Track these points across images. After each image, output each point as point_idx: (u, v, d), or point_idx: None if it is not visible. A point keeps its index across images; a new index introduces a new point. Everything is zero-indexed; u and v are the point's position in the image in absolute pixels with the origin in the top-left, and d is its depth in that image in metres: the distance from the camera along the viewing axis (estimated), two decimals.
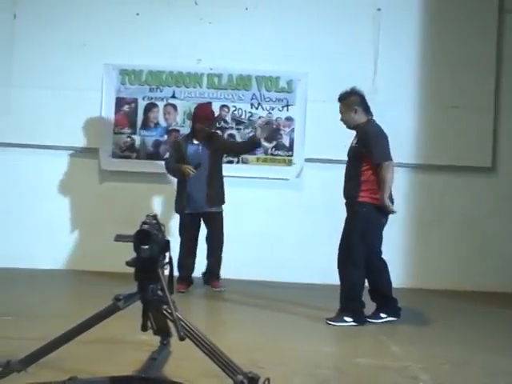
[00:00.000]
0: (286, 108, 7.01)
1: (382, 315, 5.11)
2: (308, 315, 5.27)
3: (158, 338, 3.59)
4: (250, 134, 6.81)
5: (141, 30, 6.96)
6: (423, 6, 7.08)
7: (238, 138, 6.98)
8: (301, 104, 6.98)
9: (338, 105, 5.17)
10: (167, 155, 6.57)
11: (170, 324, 3.14)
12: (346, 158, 5.21)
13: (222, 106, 7.02)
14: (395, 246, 6.89)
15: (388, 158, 4.95)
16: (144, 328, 3.17)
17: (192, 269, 6.21)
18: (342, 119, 5.16)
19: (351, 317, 4.98)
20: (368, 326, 5.01)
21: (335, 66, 6.88)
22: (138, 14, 7.00)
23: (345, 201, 5.11)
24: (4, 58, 6.96)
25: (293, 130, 7.01)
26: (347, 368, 3.82)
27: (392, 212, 4.99)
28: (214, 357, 2.88)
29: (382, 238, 5.13)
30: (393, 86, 6.98)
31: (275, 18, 7.01)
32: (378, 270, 5.15)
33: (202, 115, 6.19)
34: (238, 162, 6.97)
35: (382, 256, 5.17)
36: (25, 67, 6.96)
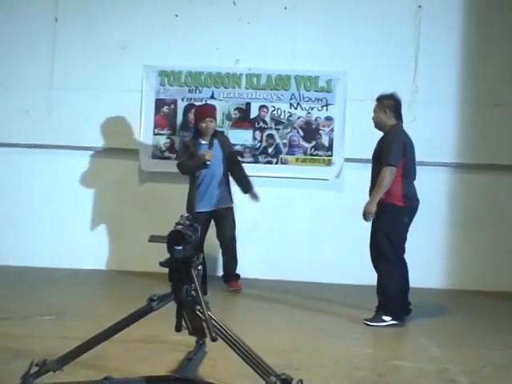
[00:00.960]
0: (325, 107, 6.96)
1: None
2: (346, 315, 5.23)
3: (193, 339, 3.61)
4: (289, 133, 6.90)
5: (180, 31, 7.00)
6: (465, 2, 6.95)
7: (278, 139, 6.97)
8: (340, 103, 6.92)
9: None
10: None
11: (204, 324, 3.14)
12: None
13: (261, 107, 6.99)
14: (438, 246, 6.84)
15: (392, 163, 4.93)
16: (178, 328, 3.19)
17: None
18: (372, 117, 5.22)
19: (389, 315, 4.94)
20: (407, 327, 4.95)
21: (375, 64, 6.81)
22: (176, 16, 7.03)
23: None
24: (46, 60, 7.05)
25: (332, 130, 6.95)
26: (385, 370, 3.77)
27: (368, 219, 5.03)
28: (247, 357, 2.87)
29: (405, 238, 5.11)
30: (434, 84, 6.87)
31: (314, 17, 6.96)
32: None
33: (202, 111, 6.20)
34: (277, 163, 6.94)
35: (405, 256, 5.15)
36: (66, 70, 7.04)
